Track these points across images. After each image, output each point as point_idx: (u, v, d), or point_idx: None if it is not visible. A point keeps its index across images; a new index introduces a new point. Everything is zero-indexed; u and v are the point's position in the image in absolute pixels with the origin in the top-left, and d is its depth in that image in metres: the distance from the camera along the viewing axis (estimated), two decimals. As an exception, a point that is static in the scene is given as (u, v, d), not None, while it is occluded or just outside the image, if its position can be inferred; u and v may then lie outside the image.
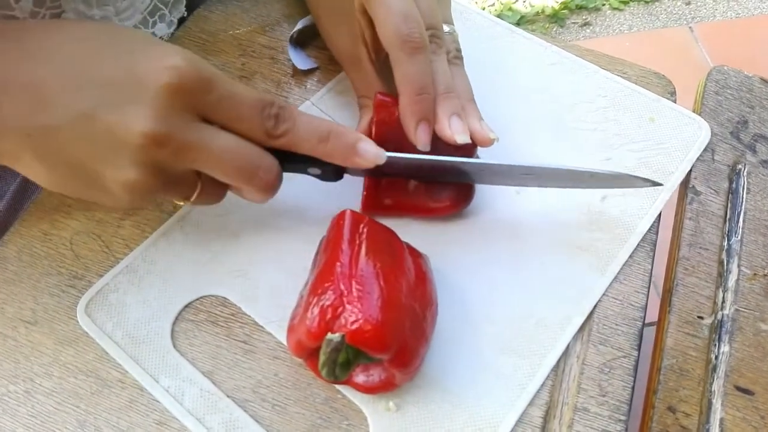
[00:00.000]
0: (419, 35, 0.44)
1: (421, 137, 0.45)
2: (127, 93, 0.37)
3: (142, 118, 0.36)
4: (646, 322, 0.47)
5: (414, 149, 0.45)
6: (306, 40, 0.59)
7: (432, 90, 0.45)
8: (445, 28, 0.49)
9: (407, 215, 0.50)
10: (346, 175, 0.47)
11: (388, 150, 0.44)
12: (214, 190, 0.43)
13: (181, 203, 0.43)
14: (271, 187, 0.43)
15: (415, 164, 0.46)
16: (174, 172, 0.39)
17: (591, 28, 1.75)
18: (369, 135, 0.46)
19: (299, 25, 0.58)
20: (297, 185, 0.50)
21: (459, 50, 0.50)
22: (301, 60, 0.58)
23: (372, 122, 0.47)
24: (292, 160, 0.44)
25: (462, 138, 0.45)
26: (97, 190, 0.40)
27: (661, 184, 0.48)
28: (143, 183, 0.38)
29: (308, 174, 0.46)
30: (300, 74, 0.58)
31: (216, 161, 0.39)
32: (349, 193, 0.50)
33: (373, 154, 0.43)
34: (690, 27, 1.74)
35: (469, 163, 0.46)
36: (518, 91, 0.57)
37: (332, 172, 0.46)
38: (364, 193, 0.48)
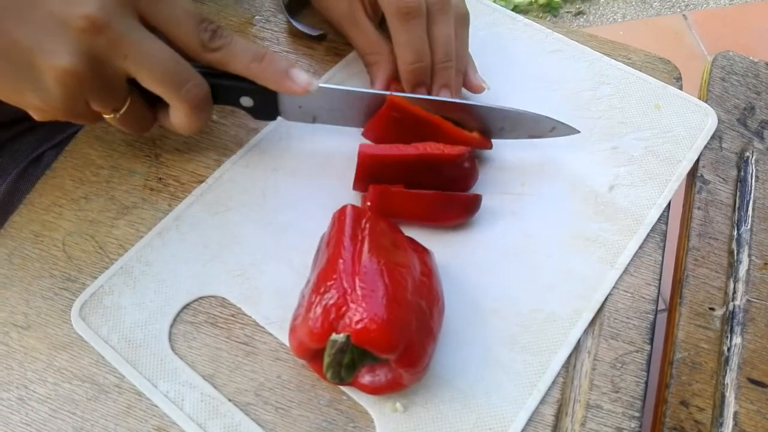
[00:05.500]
0: (415, 3, 0.46)
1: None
2: None
3: (84, 2, 0.38)
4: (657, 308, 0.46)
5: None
6: (297, 8, 0.58)
7: (427, 57, 0.48)
8: None
9: (412, 223, 0.48)
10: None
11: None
12: (142, 109, 0.44)
13: (110, 116, 0.43)
14: (200, 104, 0.43)
15: (350, 96, 0.47)
16: (106, 72, 0.40)
17: (585, 17, 1.74)
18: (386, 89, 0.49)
19: None
20: (296, 180, 0.49)
21: (465, 16, 0.51)
22: (305, 27, 0.57)
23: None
24: (223, 91, 0.45)
25: None
26: (27, 83, 0.40)
27: (578, 131, 0.50)
28: (76, 73, 0.38)
29: (240, 106, 0.47)
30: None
31: (148, 61, 0.40)
32: (353, 193, 0.49)
33: (305, 80, 0.45)
34: (684, 15, 1.73)
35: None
36: (519, 78, 0.56)
37: (265, 105, 0.47)
38: (369, 203, 0.46)
